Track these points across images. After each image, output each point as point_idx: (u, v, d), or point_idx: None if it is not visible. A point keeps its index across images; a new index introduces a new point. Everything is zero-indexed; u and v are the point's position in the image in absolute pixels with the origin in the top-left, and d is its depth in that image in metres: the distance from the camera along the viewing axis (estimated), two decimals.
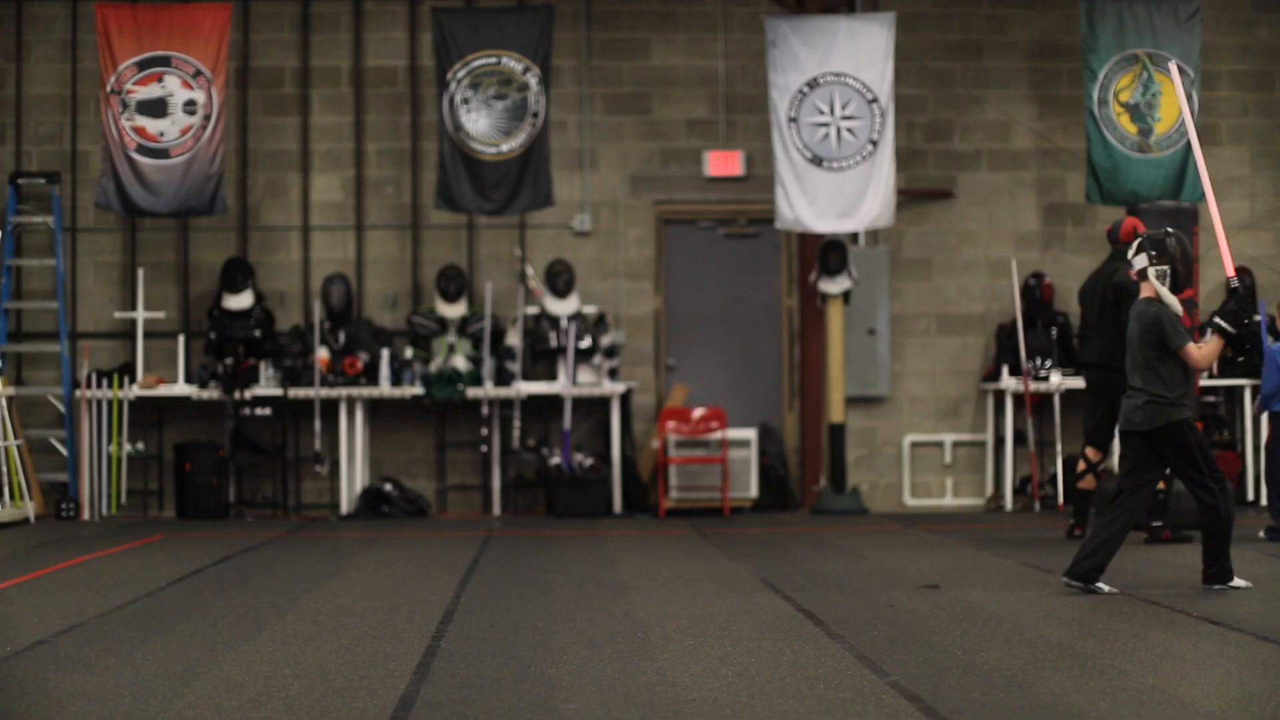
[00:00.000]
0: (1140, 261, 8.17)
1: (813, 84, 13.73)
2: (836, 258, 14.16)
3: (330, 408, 14.06)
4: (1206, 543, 8.24)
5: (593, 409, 14.53)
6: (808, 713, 5.24)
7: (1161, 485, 10.51)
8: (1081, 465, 10.90)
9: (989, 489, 14.63)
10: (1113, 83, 13.84)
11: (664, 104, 14.88)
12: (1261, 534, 10.96)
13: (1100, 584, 8.09)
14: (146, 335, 14.23)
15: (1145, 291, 8.21)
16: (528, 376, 14.28)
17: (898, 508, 14.69)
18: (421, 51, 14.74)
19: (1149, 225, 12.29)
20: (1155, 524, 10.51)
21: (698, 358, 14.95)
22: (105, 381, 13.82)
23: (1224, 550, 8.20)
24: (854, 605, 7.73)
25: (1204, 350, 8.17)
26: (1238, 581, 8.23)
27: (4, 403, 13.08)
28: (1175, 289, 8.17)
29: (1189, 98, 13.85)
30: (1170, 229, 8.33)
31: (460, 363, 14.06)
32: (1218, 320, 8.20)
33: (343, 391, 13.89)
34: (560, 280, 14.30)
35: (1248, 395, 13.62)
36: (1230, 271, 8.33)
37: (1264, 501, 13.61)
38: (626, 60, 14.84)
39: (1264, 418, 11.28)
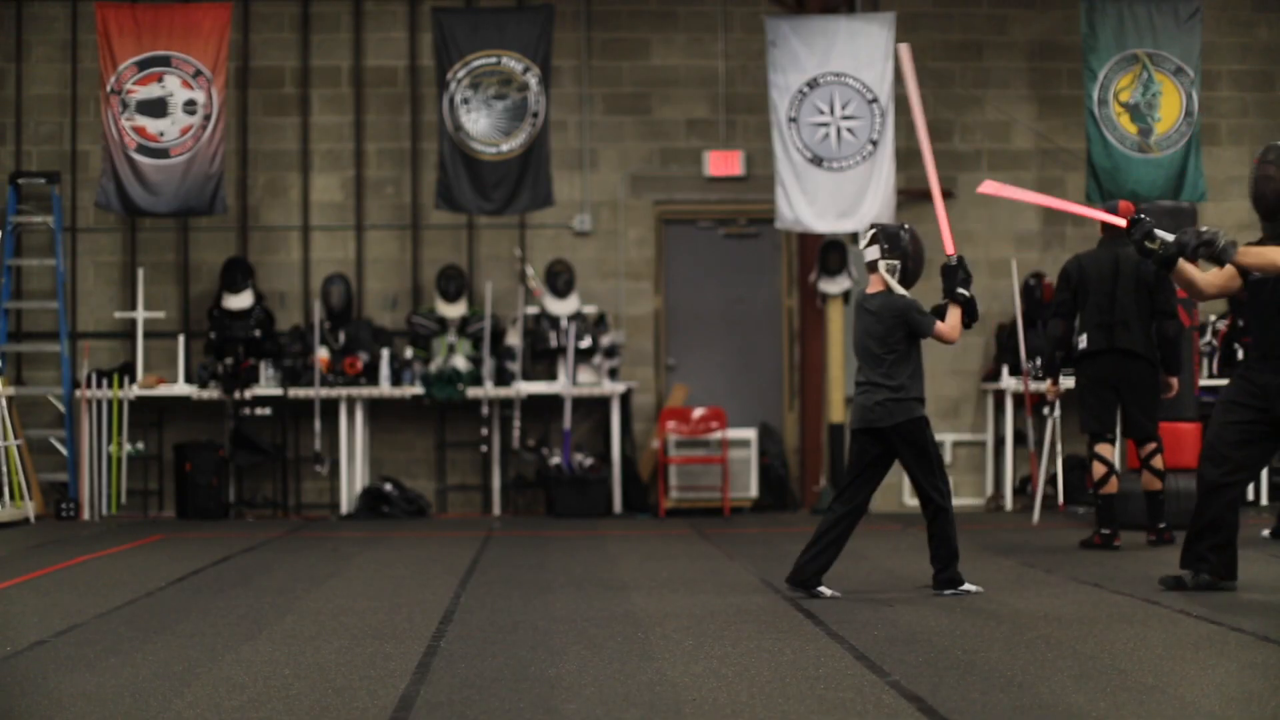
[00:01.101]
0: (872, 253, 8.11)
1: (813, 84, 13.73)
2: (836, 258, 14.17)
3: (330, 408, 14.06)
4: (938, 547, 7.99)
5: (593, 409, 14.53)
6: (808, 713, 5.24)
7: (1159, 486, 10.47)
8: (1101, 469, 10.41)
9: (989, 489, 14.63)
10: (1113, 83, 13.84)
11: (664, 104, 14.88)
12: (1265, 533, 10.94)
13: (822, 588, 7.93)
14: (146, 335, 14.23)
15: (874, 285, 8.11)
16: (528, 376, 14.28)
17: (898, 508, 14.68)
18: (421, 51, 14.74)
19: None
20: (1160, 525, 10.48)
21: (698, 358, 14.95)
22: (105, 381, 13.82)
23: (955, 554, 8.00)
24: (854, 605, 7.72)
25: (950, 324, 8.06)
26: (969, 586, 8.04)
27: (4, 403, 13.08)
28: (905, 283, 8.09)
29: (1189, 97, 13.87)
30: (906, 225, 8.21)
31: (460, 363, 14.06)
32: (960, 290, 8.05)
33: (343, 391, 13.89)
34: (560, 280, 14.30)
35: None
36: (950, 249, 8.21)
37: (1264, 500, 13.70)
38: (626, 60, 14.84)
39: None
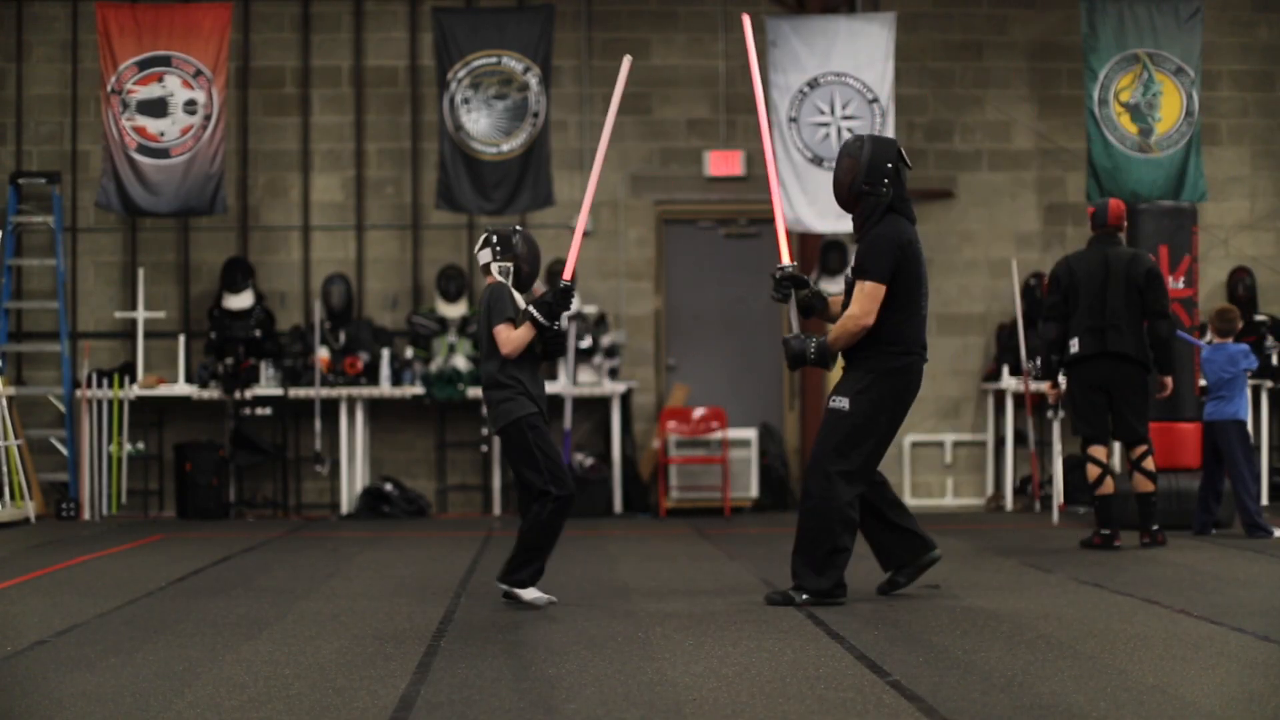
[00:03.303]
0: (484, 256, 8.02)
1: (813, 84, 13.73)
2: (837, 258, 14.17)
3: (330, 408, 14.06)
4: (522, 547, 7.70)
5: (593, 409, 14.53)
6: (808, 713, 5.24)
7: (1151, 488, 10.45)
8: (1096, 471, 10.35)
9: (989, 489, 14.63)
10: (1113, 83, 13.84)
11: (664, 104, 14.88)
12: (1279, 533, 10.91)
13: (524, 591, 7.77)
14: (147, 335, 14.23)
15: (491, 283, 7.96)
16: None
17: None
18: (422, 51, 14.74)
19: (1150, 224, 12.33)
20: (1153, 527, 10.47)
21: (698, 358, 14.95)
22: (105, 381, 13.82)
23: (538, 555, 7.72)
24: (854, 605, 7.72)
25: (513, 334, 7.82)
26: (532, 594, 7.73)
27: (4, 403, 13.08)
28: (520, 286, 7.98)
29: (1189, 97, 13.87)
30: (519, 227, 8.09)
31: (461, 363, 14.06)
32: (530, 309, 7.84)
33: (343, 391, 13.89)
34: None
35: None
36: (568, 275, 8.01)
37: (1264, 500, 13.69)
38: None
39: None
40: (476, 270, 14.68)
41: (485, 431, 14.07)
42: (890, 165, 7.76)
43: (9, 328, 14.26)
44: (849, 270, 7.93)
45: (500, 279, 8.01)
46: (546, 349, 7.96)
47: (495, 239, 8.06)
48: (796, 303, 7.97)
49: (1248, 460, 11.04)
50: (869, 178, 7.75)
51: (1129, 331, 10.30)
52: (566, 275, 8.01)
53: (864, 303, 7.68)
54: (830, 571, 7.66)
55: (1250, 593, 8.17)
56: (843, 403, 7.72)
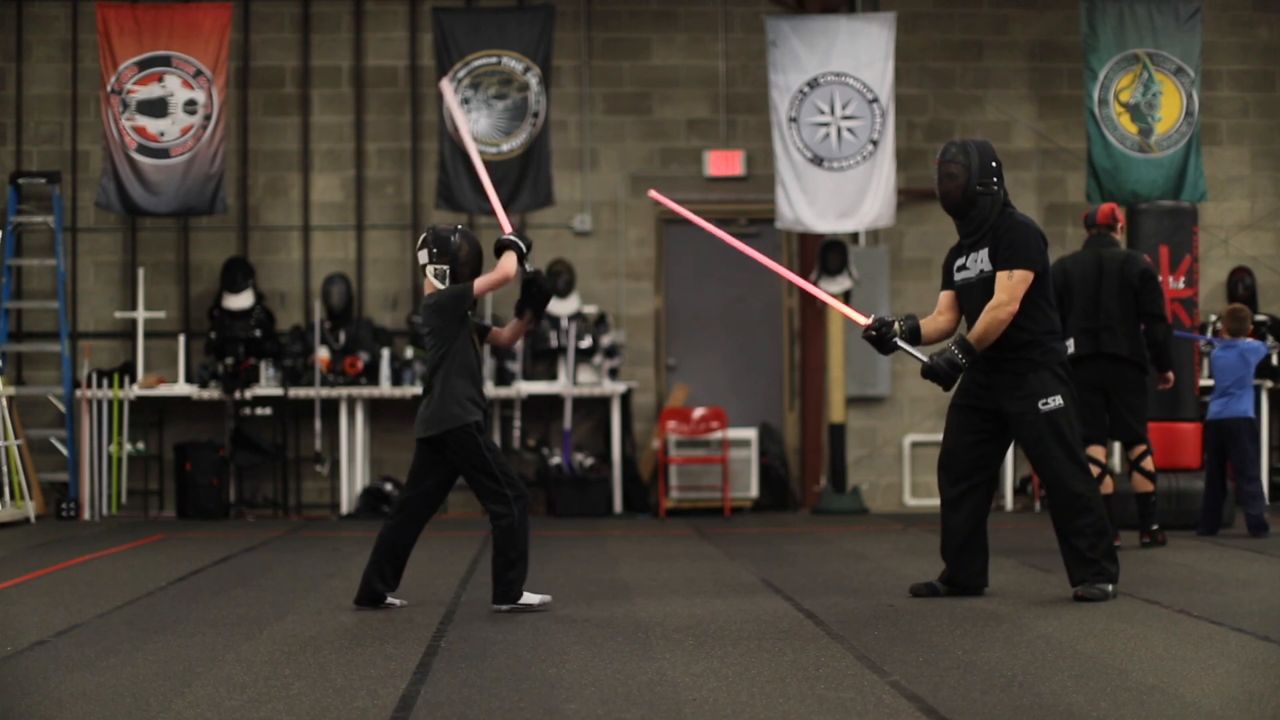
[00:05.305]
0: (422, 257, 7.64)
1: (813, 84, 13.73)
2: (837, 258, 14.17)
3: (330, 408, 14.06)
4: (496, 559, 7.50)
5: (593, 409, 14.53)
6: (808, 713, 5.24)
7: (1151, 488, 10.45)
8: (1095, 471, 10.16)
9: None
10: (1113, 83, 13.84)
11: (664, 104, 14.88)
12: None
13: (394, 598, 7.68)
14: (147, 335, 14.24)
15: (428, 288, 7.67)
16: (528, 376, 14.29)
17: (898, 508, 14.69)
18: (422, 51, 14.74)
19: (1150, 224, 12.33)
20: (1153, 527, 10.47)
21: (698, 358, 14.95)
22: (105, 381, 13.82)
23: (511, 565, 7.49)
24: (855, 605, 7.72)
25: (496, 271, 7.59)
26: (531, 598, 7.57)
27: (4, 403, 13.08)
28: (456, 281, 7.62)
29: (1189, 97, 13.87)
30: (460, 225, 7.84)
31: None
32: (511, 236, 7.63)
33: (343, 391, 13.89)
34: (560, 280, 14.31)
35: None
36: (507, 228, 7.83)
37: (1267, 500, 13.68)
38: (627, 60, 14.84)
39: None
40: None
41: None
42: (996, 164, 7.89)
43: (9, 328, 14.26)
44: (967, 267, 7.92)
45: (435, 281, 7.61)
46: (527, 294, 7.71)
47: (433, 239, 7.63)
48: (903, 339, 7.95)
49: (1256, 458, 11.06)
50: (982, 178, 7.84)
51: (1123, 332, 10.30)
52: (506, 229, 7.75)
53: (1012, 289, 7.73)
54: (1115, 554, 7.87)
55: (1250, 593, 8.17)
56: (1058, 400, 7.76)
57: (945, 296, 8.09)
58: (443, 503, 7.93)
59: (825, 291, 14.13)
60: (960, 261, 7.96)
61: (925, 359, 7.85)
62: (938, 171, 7.94)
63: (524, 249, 7.70)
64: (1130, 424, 10.39)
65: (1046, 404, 7.74)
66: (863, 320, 8.05)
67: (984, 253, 7.84)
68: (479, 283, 7.62)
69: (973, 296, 7.89)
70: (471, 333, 7.68)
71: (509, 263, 7.63)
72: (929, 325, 8.07)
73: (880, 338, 7.94)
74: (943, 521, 8.13)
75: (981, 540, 8.12)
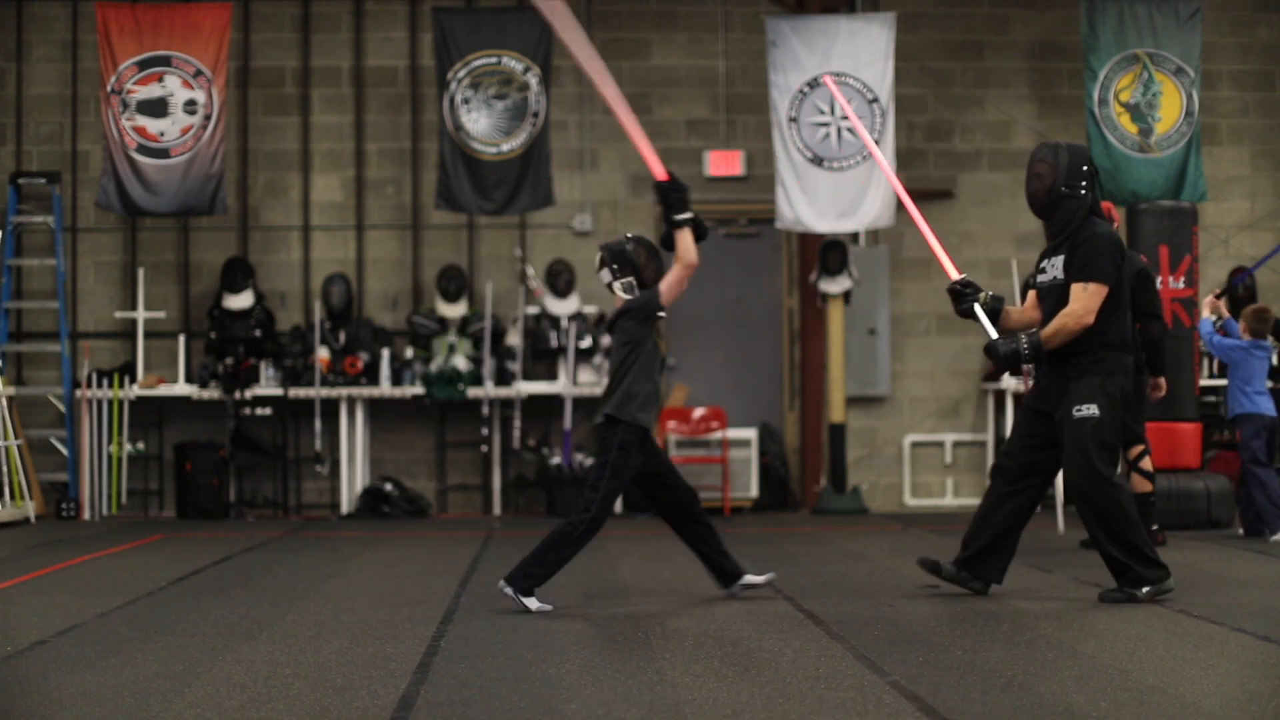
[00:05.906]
0: (604, 276, 7.75)
1: (813, 84, 13.73)
2: (837, 258, 14.17)
3: (330, 408, 14.06)
4: (539, 547, 7.60)
5: (593, 409, 14.51)
6: (808, 713, 5.24)
7: (1150, 488, 10.43)
8: (1126, 469, 10.33)
9: None
10: (1113, 83, 13.84)
11: (664, 104, 14.88)
12: (1277, 537, 10.88)
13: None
14: (147, 335, 14.23)
15: (619, 304, 7.78)
16: (528, 376, 14.28)
17: (898, 508, 14.69)
18: (422, 51, 14.74)
19: (1150, 224, 12.32)
20: (1153, 527, 10.46)
21: (698, 358, 14.95)
22: (106, 381, 13.82)
23: (543, 562, 7.55)
24: (854, 605, 7.72)
25: (682, 252, 7.64)
26: (532, 602, 7.54)
27: (4, 403, 13.08)
28: (645, 287, 7.74)
29: (1189, 97, 13.87)
30: (629, 234, 7.86)
31: (461, 363, 14.06)
32: (685, 215, 7.66)
33: (343, 391, 13.89)
34: (561, 280, 14.31)
35: None
36: (662, 175, 7.76)
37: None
38: (626, 60, 14.83)
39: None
40: (476, 270, 14.68)
41: (485, 431, 14.07)
42: (1086, 169, 7.86)
43: (9, 328, 14.26)
44: (1045, 271, 7.93)
45: (624, 294, 7.76)
46: (698, 234, 7.69)
47: (609, 256, 7.75)
48: (982, 309, 7.96)
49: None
50: (1069, 181, 7.83)
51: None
52: (662, 176, 7.73)
53: (1087, 301, 7.72)
54: (1154, 556, 7.74)
55: (1250, 593, 8.17)
56: (1092, 409, 7.73)
57: (1031, 295, 8.15)
58: None
59: (825, 292, 14.22)
60: (1043, 264, 7.99)
61: (994, 334, 7.87)
62: (1027, 171, 7.98)
63: (703, 228, 7.72)
64: (1128, 424, 10.38)
65: (1080, 410, 7.72)
66: (955, 274, 8.07)
67: (1060, 260, 7.86)
68: (667, 290, 7.70)
69: (1048, 300, 7.94)
70: (656, 332, 7.88)
71: (690, 252, 7.65)
72: (1014, 313, 8.13)
73: (961, 294, 7.98)
74: (980, 510, 8.05)
75: (1013, 542, 8.05)
